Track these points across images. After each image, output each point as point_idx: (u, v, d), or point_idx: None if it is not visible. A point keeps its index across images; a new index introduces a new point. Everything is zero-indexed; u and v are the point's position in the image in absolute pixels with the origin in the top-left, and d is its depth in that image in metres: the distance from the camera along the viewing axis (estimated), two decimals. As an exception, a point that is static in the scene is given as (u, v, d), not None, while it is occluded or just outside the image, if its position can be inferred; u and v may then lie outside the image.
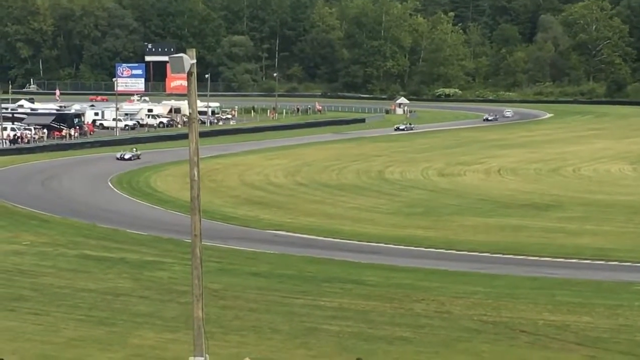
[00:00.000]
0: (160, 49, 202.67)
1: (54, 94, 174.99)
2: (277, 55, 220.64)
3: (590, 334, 29.79)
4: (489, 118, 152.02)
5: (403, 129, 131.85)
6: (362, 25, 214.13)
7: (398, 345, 28.23)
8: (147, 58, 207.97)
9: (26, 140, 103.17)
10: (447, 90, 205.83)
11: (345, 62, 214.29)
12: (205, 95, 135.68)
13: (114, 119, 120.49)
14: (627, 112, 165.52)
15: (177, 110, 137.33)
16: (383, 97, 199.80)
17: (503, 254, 46.25)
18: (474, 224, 56.10)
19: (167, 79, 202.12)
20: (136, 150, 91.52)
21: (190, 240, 18.20)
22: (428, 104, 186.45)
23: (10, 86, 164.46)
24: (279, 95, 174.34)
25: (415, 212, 61.52)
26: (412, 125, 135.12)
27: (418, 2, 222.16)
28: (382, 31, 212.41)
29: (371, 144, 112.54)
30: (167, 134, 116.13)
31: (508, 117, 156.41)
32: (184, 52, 17.30)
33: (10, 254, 42.86)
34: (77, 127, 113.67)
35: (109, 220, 54.50)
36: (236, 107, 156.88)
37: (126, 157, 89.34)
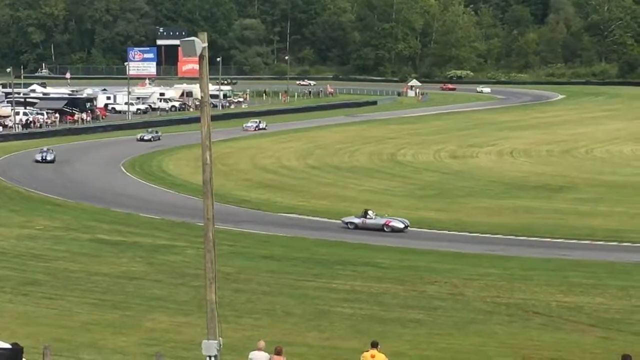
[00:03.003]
0: (171, 33, 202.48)
1: (66, 78, 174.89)
2: (288, 39, 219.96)
3: (604, 315, 29.82)
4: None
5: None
6: (373, 7, 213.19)
7: (411, 328, 28.31)
8: (159, 42, 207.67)
9: (38, 125, 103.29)
10: (458, 72, 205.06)
11: (357, 45, 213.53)
12: (217, 79, 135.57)
13: (125, 103, 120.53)
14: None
15: (189, 94, 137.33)
16: (395, 79, 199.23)
17: (516, 236, 46.23)
18: (487, 206, 56.05)
19: (178, 63, 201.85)
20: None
21: (202, 224, 18.21)
22: (440, 86, 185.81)
23: (22, 71, 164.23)
24: (291, 79, 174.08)
25: (427, 194, 61.48)
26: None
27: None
28: (393, 13, 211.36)
29: (384, 126, 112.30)
30: (179, 118, 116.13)
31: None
32: (196, 35, 17.27)
33: (24, 238, 43.05)
34: (89, 112, 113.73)
35: (121, 205, 54.62)
36: (248, 90, 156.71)
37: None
